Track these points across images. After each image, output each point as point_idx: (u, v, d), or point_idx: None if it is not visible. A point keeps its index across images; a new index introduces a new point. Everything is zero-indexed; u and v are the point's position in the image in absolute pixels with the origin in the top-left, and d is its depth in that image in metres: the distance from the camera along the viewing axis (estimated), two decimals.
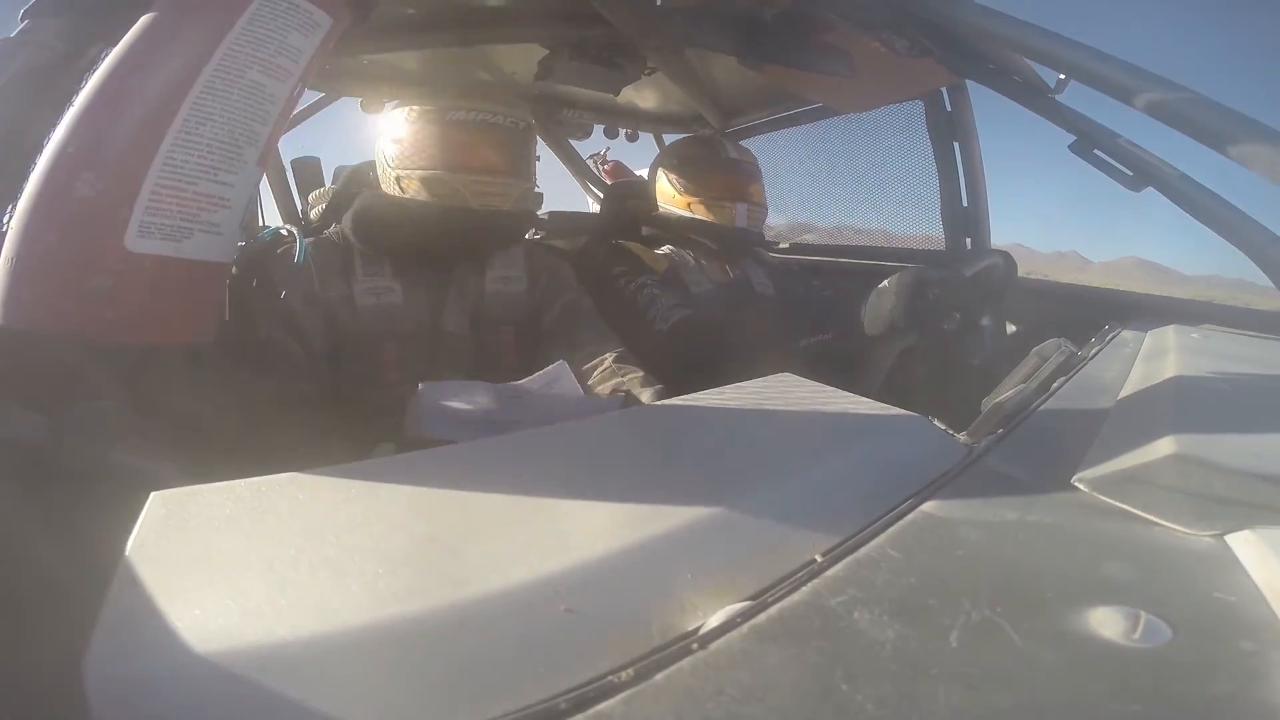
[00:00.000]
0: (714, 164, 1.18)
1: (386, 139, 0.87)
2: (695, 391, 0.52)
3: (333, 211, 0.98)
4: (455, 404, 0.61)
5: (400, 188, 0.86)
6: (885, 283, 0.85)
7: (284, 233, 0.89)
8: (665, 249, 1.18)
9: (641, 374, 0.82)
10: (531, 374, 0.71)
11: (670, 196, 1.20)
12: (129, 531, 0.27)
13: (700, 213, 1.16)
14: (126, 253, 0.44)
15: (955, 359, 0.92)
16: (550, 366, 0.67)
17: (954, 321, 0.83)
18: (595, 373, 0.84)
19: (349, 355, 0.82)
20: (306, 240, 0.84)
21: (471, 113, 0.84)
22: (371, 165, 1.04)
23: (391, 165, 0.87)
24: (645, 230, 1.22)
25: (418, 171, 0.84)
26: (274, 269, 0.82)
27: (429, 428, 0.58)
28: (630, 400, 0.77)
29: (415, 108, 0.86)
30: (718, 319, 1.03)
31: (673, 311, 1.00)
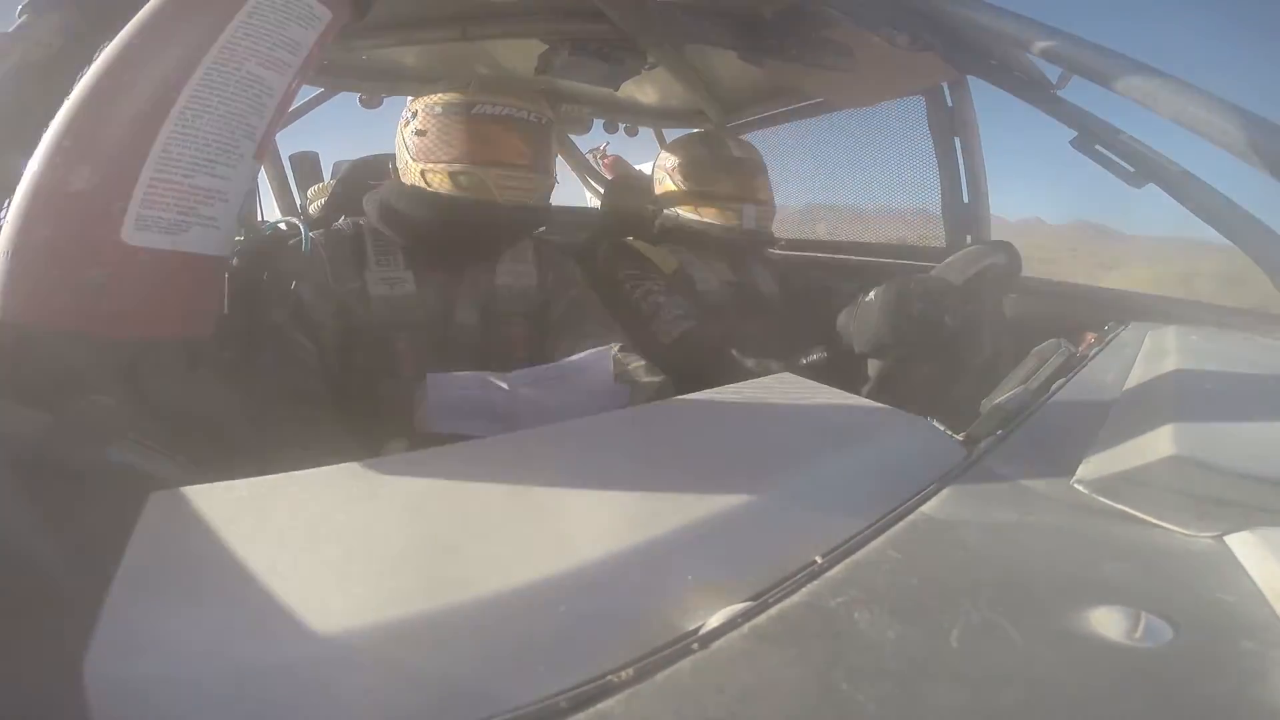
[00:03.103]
0: (718, 164, 1.15)
1: (410, 131, 0.87)
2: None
3: (336, 205, 0.98)
4: (463, 396, 0.60)
5: (425, 181, 0.86)
6: (870, 295, 0.84)
7: (283, 226, 0.89)
8: (666, 247, 1.16)
9: (644, 363, 0.84)
10: (540, 366, 0.72)
11: (674, 197, 1.17)
12: (129, 531, 0.27)
13: (707, 215, 1.14)
14: (123, 245, 0.44)
15: (954, 360, 0.92)
16: (591, 351, 0.66)
17: (946, 330, 0.83)
18: None
19: (361, 347, 0.82)
20: (317, 232, 0.84)
21: (498, 107, 0.84)
22: (372, 159, 1.04)
23: (415, 158, 0.86)
24: (657, 224, 1.20)
25: (445, 165, 0.84)
26: (284, 261, 0.82)
27: (438, 422, 0.58)
28: (634, 392, 0.78)
29: (439, 100, 0.86)
30: (721, 331, 1.02)
31: (676, 324, 0.99)
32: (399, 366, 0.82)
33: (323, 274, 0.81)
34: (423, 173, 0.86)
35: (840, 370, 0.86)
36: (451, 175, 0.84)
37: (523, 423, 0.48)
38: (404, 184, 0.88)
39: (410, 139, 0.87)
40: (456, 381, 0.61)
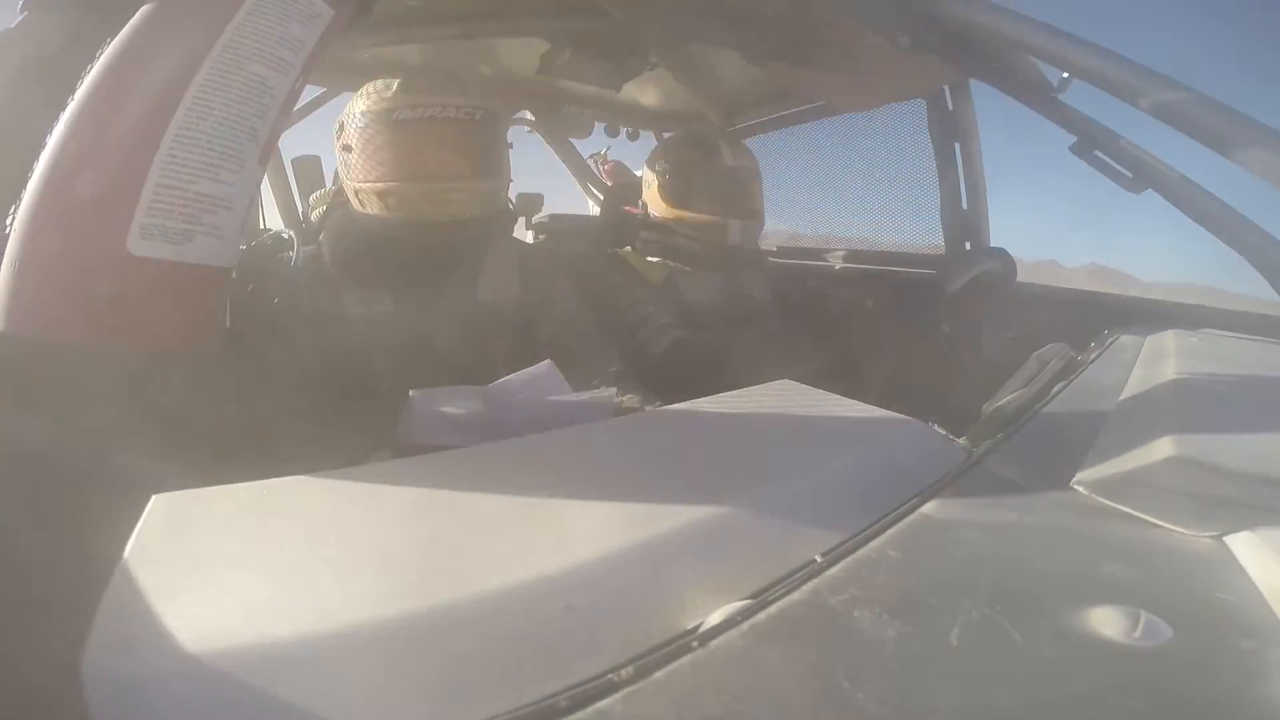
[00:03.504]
0: (709, 173, 1.09)
1: (338, 146, 0.81)
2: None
3: (330, 215, 0.98)
4: (448, 410, 0.60)
5: (359, 201, 0.80)
6: (869, 303, 0.85)
7: (285, 236, 0.88)
8: (655, 259, 1.13)
9: (641, 394, 0.80)
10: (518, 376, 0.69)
11: (660, 205, 1.13)
12: (130, 534, 0.27)
13: (692, 227, 1.09)
14: (129, 256, 0.43)
15: (953, 363, 0.92)
16: (536, 365, 0.64)
17: (942, 333, 0.83)
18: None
19: (341, 366, 0.80)
20: (308, 248, 0.82)
21: (417, 109, 0.75)
22: None
23: (347, 178, 0.81)
24: (643, 235, 1.16)
25: (371, 185, 0.77)
26: (267, 277, 0.80)
27: (423, 434, 0.58)
28: (625, 406, 0.77)
29: (361, 109, 0.78)
30: (711, 341, 1.00)
31: (665, 333, 0.98)
32: (380, 384, 0.80)
33: (298, 296, 0.78)
34: (357, 193, 0.79)
35: (839, 376, 0.87)
36: (380, 195, 0.77)
37: (505, 435, 0.49)
38: (346, 214, 0.83)
39: (341, 155, 0.80)
40: (440, 395, 0.61)
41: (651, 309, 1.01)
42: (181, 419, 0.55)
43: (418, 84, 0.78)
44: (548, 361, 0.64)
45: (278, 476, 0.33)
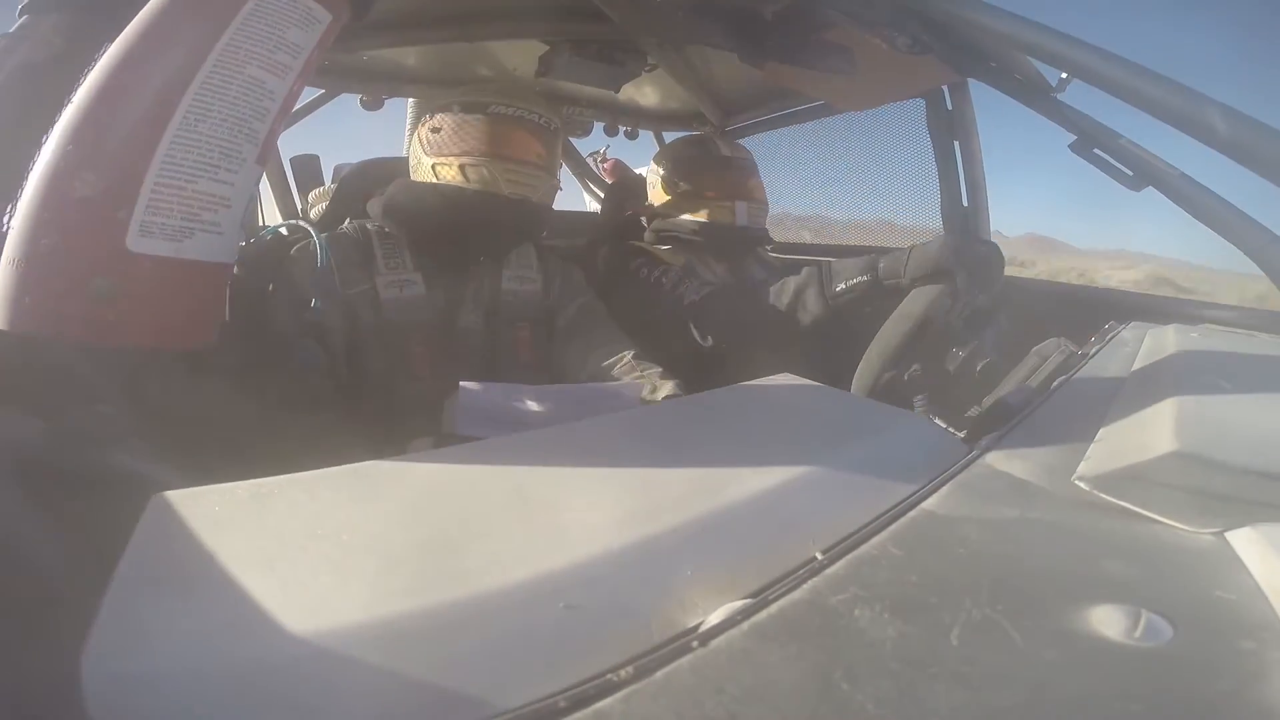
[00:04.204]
0: (710, 163, 1.17)
1: (427, 130, 0.91)
2: (712, 380, 0.54)
3: (339, 208, 0.99)
4: (495, 404, 0.62)
5: (436, 175, 0.89)
6: (929, 240, 0.87)
7: (284, 231, 0.89)
8: (668, 247, 1.18)
9: (659, 369, 0.85)
10: (546, 370, 0.81)
11: (668, 200, 1.19)
12: (129, 534, 0.27)
13: (700, 214, 1.16)
14: (127, 253, 0.44)
15: (953, 352, 0.93)
16: (626, 381, 0.73)
17: (983, 298, 0.86)
18: (615, 368, 0.88)
19: (373, 349, 0.83)
20: (321, 235, 0.83)
21: (512, 108, 0.89)
22: (375, 163, 1.05)
23: (429, 153, 0.90)
24: (648, 234, 1.22)
25: (455, 159, 0.88)
26: (293, 269, 0.82)
27: (467, 426, 0.59)
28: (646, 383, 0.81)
29: (459, 100, 0.90)
30: (743, 301, 1.05)
31: (703, 287, 1.03)
32: (414, 367, 0.84)
33: (330, 281, 0.81)
34: (434, 167, 0.89)
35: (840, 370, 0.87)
36: (461, 168, 0.87)
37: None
38: (413, 180, 0.91)
39: (427, 136, 0.90)
40: (487, 390, 0.64)
41: (679, 275, 1.07)
42: (188, 415, 0.55)
43: (511, 91, 0.92)
44: (641, 380, 0.72)
45: (302, 469, 0.33)
